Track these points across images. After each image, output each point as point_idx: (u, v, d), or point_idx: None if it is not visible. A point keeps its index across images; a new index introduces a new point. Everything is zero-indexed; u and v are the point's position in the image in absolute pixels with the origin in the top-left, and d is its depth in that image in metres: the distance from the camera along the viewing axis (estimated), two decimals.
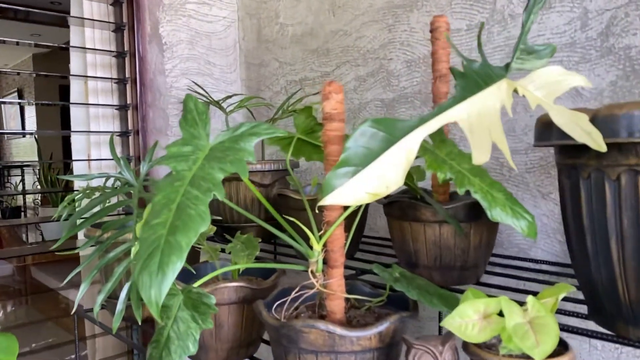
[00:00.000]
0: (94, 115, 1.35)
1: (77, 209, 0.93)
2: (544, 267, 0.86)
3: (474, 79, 0.47)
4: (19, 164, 6.27)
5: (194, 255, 0.98)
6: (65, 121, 6.27)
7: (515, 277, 0.79)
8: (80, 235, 1.39)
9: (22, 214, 5.86)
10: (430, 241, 0.69)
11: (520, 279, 0.81)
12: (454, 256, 0.69)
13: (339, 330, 0.52)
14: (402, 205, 0.70)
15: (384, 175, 0.44)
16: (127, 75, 1.31)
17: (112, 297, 1.00)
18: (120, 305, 0.72)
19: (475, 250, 0.70)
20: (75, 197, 1.03)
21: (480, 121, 0.47)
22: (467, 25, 0.95)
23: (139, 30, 1.28)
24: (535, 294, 0.75)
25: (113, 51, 1.29)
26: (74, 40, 1.37)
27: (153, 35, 1.31)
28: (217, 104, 1.15)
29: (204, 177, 0.39)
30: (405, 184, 0.69)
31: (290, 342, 0.55)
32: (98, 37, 1.34)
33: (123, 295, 0.73)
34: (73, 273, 0.74)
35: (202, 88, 1.23)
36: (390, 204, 0.73)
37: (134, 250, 0.64)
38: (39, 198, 5.45)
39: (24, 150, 6.94)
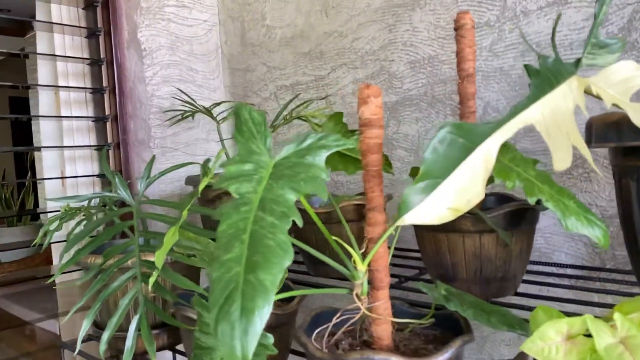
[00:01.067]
0: (67, 129, 1.24)
1: (72, 232, 0.84)
2: (569, 271, 0.83)
3: (547, 76, 0.43)
4: None
5: (195, 274, 0.90)
6: (18, 136, 5.95)
7: (539, 283, 0.76)
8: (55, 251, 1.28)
9: None
10: (470, 253, 0.65)
11: (543, 284, 0.78)
12: (495, 267, 0.65)
13: None
14: None
15: (465, 188, 0.39)
16: (105, 84, 1.21)
17: (99, 327, 0.91)
18: (130, 340, 0.64)
19: (516, 259, 0.66)
20: (53, 219, 0.93)
21: (555, 123, 0.42)
22: (476, 23, 0.91)
23: (116, 36, 1.19)
24: (562, 300, 0.72)
25: (89, 58, 1.19)
26: (40, 48, 1.26)
27: (131, 41, 1.22)
28: (209, 112, 1.07)
29: (275, 200, 0.32)
30: None
31: None
32: (69, 43, 1.24)
33: (132, 329, 0.65)
34: (75, 307, 0.65)
35: (188, 95, 1.15)
36: None
37: (151, 280, 0.56)
38: None
39: None
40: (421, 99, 1.00)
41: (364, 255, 0.54)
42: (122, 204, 1.16)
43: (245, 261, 0.30)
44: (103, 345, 0.63)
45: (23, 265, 3.84)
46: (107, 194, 0.76)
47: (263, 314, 0.28)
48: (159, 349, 0.86)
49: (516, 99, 0.87)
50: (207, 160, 0.50)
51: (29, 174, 4.37)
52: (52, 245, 1.28)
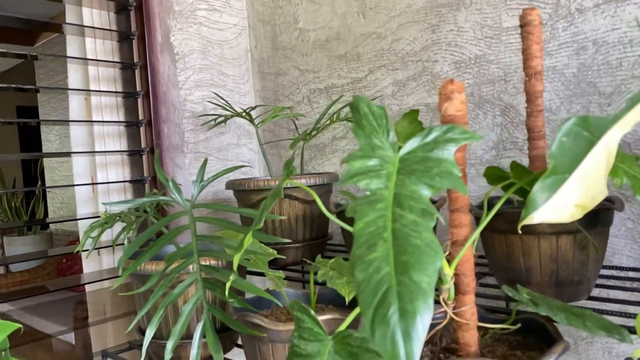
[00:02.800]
0: (98, 134, 1.22)
1: (117, 239, 0.82)
2: (631, 274, 0.81)
3: None
4: None
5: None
6: (25, 144, 5.94)
7: (600, 286, 0.74)
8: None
9: None
10: (546, 255, 0.62)
11: (603, 287, 0.76)
12: (572, 270, 0.63)
13: None
14: (512, 216, 0.63)
15: (589, 184, 0.37)
16: (138, 88, 1.19)
17: (145, 334, 0.89)
18: (194, 349, 0.62)
19: (592, 262, 0.63)
20: (95, 225, 0.91)
21: None
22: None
23: (150, 40, 1.18)
24: (624, 302, 0.70)
25: (123, 62, 1.18)
26: (71, 52, 1.25)
27: (164, 45, 1.20)
28: (249, 115, 1.05)
29: (410, 197, 0.30)
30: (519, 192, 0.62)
31: None
32: (99, 48, 1.22)
33: (197, 336, 0.63)
34: (140, 314, 0.63)
35: (224, 100, 1.14)
36: (494, 216, 0.66)
37: (227, 284, 0.54)
38: None
39: None
40: (467, 100, 0.98)
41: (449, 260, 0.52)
42: (160, 209, 1.14)
43: (394, 261, 0.27)
44: (168, 354, 0.60)
45: (34, 274, 3.82)
46: (162, 197, 0.74)
47: (425, 318, 0.26)
48: (206, 359, 0.83)
49: (571, 98, 0.86)
50: (292, 160, 0.48)
51: (39, 182, 4.36)
52: (81, 252, 1.26)
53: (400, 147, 0.35)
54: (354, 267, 0.28)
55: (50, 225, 4.39)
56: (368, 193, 0.31)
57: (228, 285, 0.52)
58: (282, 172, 0.50)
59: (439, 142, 0.34)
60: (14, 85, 1.05)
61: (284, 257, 0.83)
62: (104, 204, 0.70)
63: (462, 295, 0.52)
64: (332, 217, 0.47)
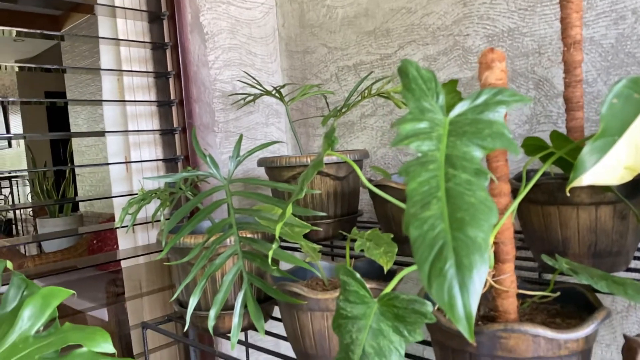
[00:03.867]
0: (131, 115, 1.25)
1: (155, 214, 0.84)
2: None
3: None
4: (14, 173, 6.07)
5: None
6: (54, 129, 6.08)
7: (638, 258, 0.73)
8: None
9: (14, 226, 5.66)
10: (585, 226, 0.62)
11: None
12: (611, 241, 0.62)
13: (549, 333, 0.45)
14: (549, 187, 0.63)
15: (639, 146, 0.37)
16: (169, 68, 1.21)
17: (184, 306, 0.91)
18: (236, 318, 0.64)
19: (632, 232, 0.63)
20: (133, 202, 0.94)
21: None
22: None
23: (180, 19, 1.19)
24: None
25: (155, 42, 1.20)
26: (103, 34, 1.27)
27: (194, 25, 1.21)
28: (279, 93, 1.06)
29: (462, 157, 0.31)
30: (559, 162, 0.62)
31: (482, 350, 0.47)
32: (131, 29, 1.24)
33: (238, 305, 0.65)
34: (183, 284, 0.65)
35: (254, 79, 1.15)
36: (530, 188, 0.66)
37: (270, 252, 0.55)
38: (31, 209, 5.26)
39: (11, 161, 6.71)
40: None
41: None
42: (195, 185, 1.17)
43: (449, 218, 0.28)
44: (212, 321, 0.63)
45: (66, 254, 3.94)
46: (200, 172, 0.76)
47: (481, 272, 0.27)
48: (244, 329, 0.86)
49: (609, 70, 0.84)
50: (333, 130, 0.49)
51: (69, 164, 4.47)
52: (116, 229, 1.30)
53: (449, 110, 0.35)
54: (408, 225, 0.29)
55: (81, 207, 4.51)
56: (419, 154, 0.32)
57: (271, 253, 0.54)
58: (323, 143, 0.51)
59: (489, 104, 0.35)
60: (45, 66, 1.08)
61: (320, 229, 0.84)
62: (145, 178, 0.72)
63: (501, 263, 0.53)
64: (373, 188, 0.48)
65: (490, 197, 0.29)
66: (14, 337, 0.53)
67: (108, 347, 0.54)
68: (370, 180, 0.92)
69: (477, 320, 0.56)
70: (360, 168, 1.05)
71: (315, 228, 0.70)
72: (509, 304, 0.53)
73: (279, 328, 1.10)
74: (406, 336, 0.41)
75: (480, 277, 0.26)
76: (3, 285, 0.74)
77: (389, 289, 0.41)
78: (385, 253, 0.60)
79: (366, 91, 0.93)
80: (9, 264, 0.73)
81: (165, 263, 0.77)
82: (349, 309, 0.43)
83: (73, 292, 0.56)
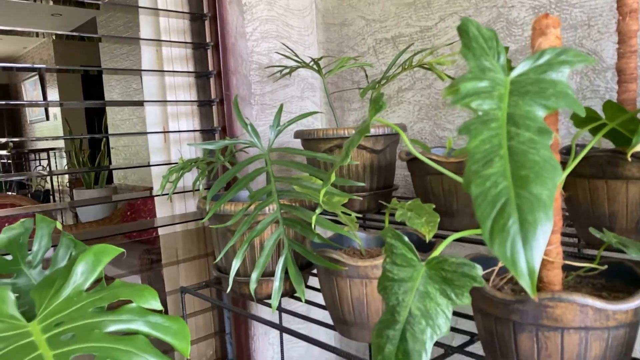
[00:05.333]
0: (169, 86, 1.26)
1: (196, 182, 0.86)
2: None
3: None
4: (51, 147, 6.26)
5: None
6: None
7: None
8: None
9: (52, 197, 5.87)
10: (634, 201, 0.61)
11: None
12: None
13: (598, 303, 0.44)
14: (598, 160, 0.61)
15: None
16: (208, 39, 1.22)
17: (223, 271, 0.93)
18: (277, 281, 0.65)
19: None
20: (173, 169, 0.96)
21: None
22: None
23: None
24: None
25: (194, 13, 1.20)
26: (143, 4, 1.28)
27: None
28: (317, 64, 1.05)
29: (525, 116, 0.30)
30: (610, 134, 0.60)
31: (526, 319, 0.47)
32: (170, 0, 1.25)
33: (279, 270, 0.66)
34: (226, 247, 0.67)
35: (292, 51, 1.14)
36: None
37: (313, 218, 0.56)
38: (68, 180, 5.44)
39: (48, 133, 6.92)
40: None
41: None
42: (233, 156, 1.18)
43: (512, 176, 0.28)
44: (253, 284, 0.64)
45: (102, 225, 4.06)
46: (242, 140, 0.77)
47: (545, 228, 0.26)
48: (283, 295, 0.88)
49: None
50: (381, 95, 0.48)
51: (104, 139, 4.58)
52: (155, 198, 1.33)
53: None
54: (469, 183, 0.29)
55: (115, 180, 4.63)
56: (480, 113, 0.32)
57: (314, 217, 0.54)
58: (370, 109, 0.51)
59: (552, 64, 0.34)
60: (85, 35, 1.10)
61: (360, 199, 0.84)
62: (188, 144, 0.73)
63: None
64: (421, 157, 0.48)
65: (554, 156, 0.28)
66: (69, 291, 0.55)
67: (156, 304, 0.56)
68: (408, 153, 0.91)
69: (520, 292, 0.55)
70: (397, 142, 1.04)
71: (354, 196, 0.70)
72: (554, 276, 0.52)
73: (311, 296, 1.12)
74: (453, 299, 0.41)
75: (544, 234, 0.26)
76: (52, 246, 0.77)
77: (437, 252, 0.42)
78: (427, 223, 0.60)
79: (407, 62, 0.92)
80: (58, 225, 0.76)
81: (210, 226, 0.79)
82: (395, 272, 0.43)
83: (123, 250, 0.58)
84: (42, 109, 6.80)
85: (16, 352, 0.49)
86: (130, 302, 0.56)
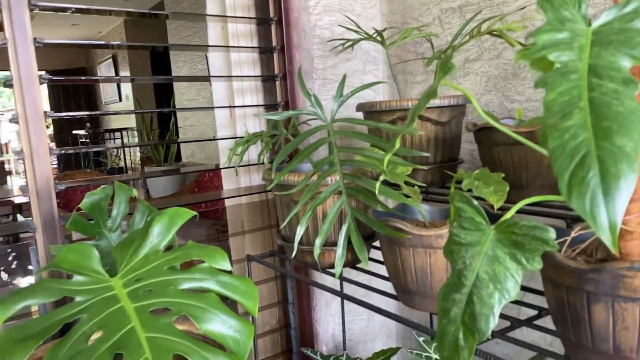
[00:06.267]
0: (234, 62, 1.29)
1: (261, 154, 0.88)
2: None
3: None
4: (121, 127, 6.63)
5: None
6: (157, 85, 6.48)
7: None
8: None
9: (125, 174, 6.23)
10: None
11: None
12: None
13: None
14: None
15: None
16: (272, 15, 1.23)
17: (287, 240, 0.96)
18: (340, 249, 0.66)
19: None
20: (239, 143, 0.99)
21: None
22: None
23: None
24: None
25: None
26: None
27: None
28: (381, 36, 1.04)
29: (609, 67, 0.29)
30: None
31: (602, 289, 0.45)
32: None
33: (342, 238, 0.67)
34: (291, 214, 0.69)
35: (355, 23, 1.13)
36: None
37: (377, 184, 0.56)
38: (140, 159, 5.75)
39: (122, 115, 7.30)
40: None
41: None
42: (295, 130, 1.20)
43: (593, 127, 0.27)
44: (317, 249, 0.66)
45: (171, 200, 4.27)
46: (305, 111, 0.78)
47: (629, 181, 0.25)
48: (344, 266, 0.89)
49: None
50: (449, 57, 0.47)
51: (172, 118, 4.78)
52: (222, 171, 1.38)
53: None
54: (545, 136, 0.28)
55: (183, 158, 4.83)
56: (559, 65, 0.30)
57: (377, 184, 0.54)
58: (437, 72, 0.50)
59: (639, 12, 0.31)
60: (146, 12, 1.13)
61: (425, 168, 0.83)
62: (255, 115, 0.75)
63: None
64: (494, 122, 0.46)
65: None
66: (146, 250, 0.59)
67: (225, 264, 0.58)
68: (475, 124, 0.89)
69: (594, 262, 0.53)
70: (463, 114, 1.02)
71: (418, 166, 0.69)
72: (633, 247, 0.50)
73: (373, 269, 1.13)
74: (524, 264, 0.40)
75: (627, 187, 0.25)
76: (129, 214, 0.82)
77: (508, 215, 0.41)
78: (495, 192, 0.59)
79: (475, 30, 0.88)
80: (134, 192, 0.81)
81: (276, 192, 0.81)
82: (462, 236, 0.43)
83: (195, 213, 0.61)
84: (116, 91, 7.18)
85: (101, 303, 0.54)
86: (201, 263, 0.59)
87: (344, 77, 0.79)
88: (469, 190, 0.61)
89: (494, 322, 0.40)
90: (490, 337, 0.60)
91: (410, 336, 1.45)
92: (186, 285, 0.55)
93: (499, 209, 0.61)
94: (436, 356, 1.00)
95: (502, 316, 0.68)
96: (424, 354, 1.02)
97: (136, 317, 0.51)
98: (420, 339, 1.05)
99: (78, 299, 0.53)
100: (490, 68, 1.12)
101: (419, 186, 0.99)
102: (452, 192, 0.43)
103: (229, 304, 0.56)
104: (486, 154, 0.82)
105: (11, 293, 0.53)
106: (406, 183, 0.72)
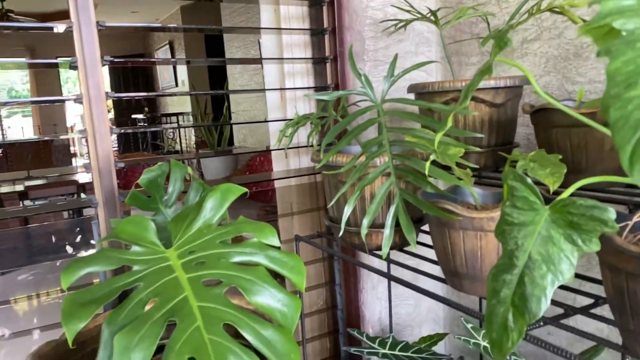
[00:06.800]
0: (286, 44, 1.30)
1: (311, 134, 0.89)
2: None
3: None
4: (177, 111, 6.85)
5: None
6: (212, 69, 6.62)
7: None
8: None
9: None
10: None
11: None
12: None
13: None
14: None
15: None
16: None
17: (335, 221, 0.96)
18: (387, 229, 0.66)
19: None
20: (289, 124, 1.00)
21: None
22: None
23: None
24: None
25: None
26: None
27: None
28: (435, 15, 1.01)
29: None
30: None
31: None
32: None
33: (390, 218, 0.67)
34: (339, 194, 0.69)
35: (409, 4, 1.11)
36: None
37: (427, 164, 0.55)
38: (194, 142, 5.92)
39: (178, 99, 7.54)
40: None
41: None
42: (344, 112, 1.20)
43: None
44: (364, 230, 0.66)
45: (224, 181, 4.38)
46: (355, 91, 0.77)
47: None
48: (391, 248, 0.88)
49: None
50: (506, 31, 0.45)
51: (225, 103, 4.88)
52: (272, 154, 1.40)
53: None
54: (607, 107, 0.26)
55: (235, 142, 4.94)
56: (624, 33, 0.28)
57: (427, 164, 0.53)
58: (493, 47, 0.48)
59: None
60: None
61: (478, 150, 0.81)
62: (305, 95, 0.75)
63: None
64: (554, 102, 0.44)
65: None
66: (199, 224, 0.61)
67: (274, 240, 0.60)
68: (532, 106, 0.85)
69: None
70: (520, 95, 0.98)
71: (471, 148, 0.67)
72: None
73: (421, 252, 1.12)
74: (580, 245, 0.38)
75: None
76: (183, 192, 0.85)
77: (565, 194, 0.39)
78: (551, 174, 0.56)
79: (534, 7, 0.84)
80: (189, 170, 0.83)
81: (324, 172, 0.81)
82: (515, 215, 0.42)
83: (246, 189, 0.62)
84: (172, 76, 7.40)
85: (157, 273, 0.56)
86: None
87: (396, 56, 0.78)
88: (524, 173, 0.59)
89: (545, 304, 0.38)
90: (542, 324, 0.58)
91: (459, 323, 1.43)
92: (237, 259, 0.57)
93: (553, 194, 0.59)
94: (485, 343, 0.98)
95: (556, 303, 0.65)
96: (472, 340, 1.01)
97: (189, 287, 0.54)
98: (469, 326, 1.04)
99: (135, 268, 0.56)
100: (550, 48, 1.07)
101: (471, 169, 0.96)
102: (506, 171, 0.42)
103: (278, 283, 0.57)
104: (543, 137, 0.79)
105: (74, 260, 0.56)
106: (458, 165, 0.70)
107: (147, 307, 0.53)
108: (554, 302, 0.66)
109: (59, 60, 0.97)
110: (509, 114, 0.96)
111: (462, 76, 1.30)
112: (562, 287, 0.74)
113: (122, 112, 8.29)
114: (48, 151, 6.71)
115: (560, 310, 0.63)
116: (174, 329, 0.50)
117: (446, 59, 1.04)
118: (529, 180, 0.40)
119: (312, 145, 1.07)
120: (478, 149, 0.64)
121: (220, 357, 0.47)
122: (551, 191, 0.55)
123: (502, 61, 0.47)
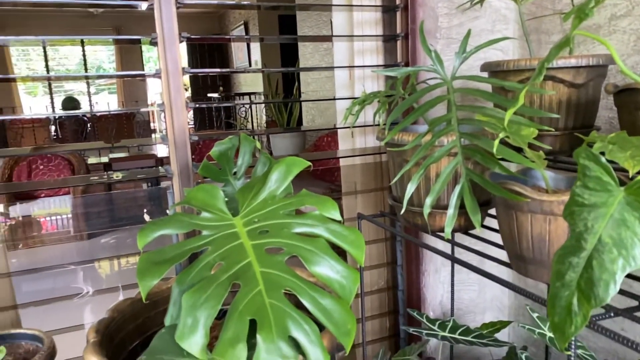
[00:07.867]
0: (357, 22, 1.29)
1: (377, 112, 0.88)
2: None
3: None
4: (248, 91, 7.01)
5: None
6: (284, 48, 6.70)
7: None
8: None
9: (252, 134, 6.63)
10: None
11: None
12: None
13: None
14: None
15: None
16: None
17: (398, 200, 0.95)
18: (451, 209, 0.65)
19: None
20: (355, 102, 1.00)
21: None
22: None
23: None
24: None
25: None
26: None
27: None
28: None
29: None
30: None
31: None
32: None
33: (454, 198, 0.66)
34: (403, 171, 0.69)
35: None
36: None
37: (495, 143, 0.54)
38: (265, 122, 6.06)
39: (251, 79, 7.72)
40: None
41: None
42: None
43: None
44: (427, 209, 0.65)
45: None
46: (424, 67, 0.76)
47: None
48: (454, 231, 0.87)
49: None
50: (588, 2, 0.42)
51: (296, 84, 4.95)
52: (338, 133, 1.41)
53: None
54: None
55: (304, 122, 5.01)
56: None
57: (496, 142, 0.52)
58: (573, 20, 0.46)
59: None
60: None
61: (553, 132, 0.77)
62: (373, 71, 0.75)
63: None
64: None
65: None
66: (265, 194, 0.63)
67: (336, 214, 0.61)
68: (616, 86, 0.79)
69: None
70: (604, 75, 0.92)
71: (546, 128, 0.64)
72: None
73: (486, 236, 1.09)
74: None
75: None
76: (250, 167, 0.88)
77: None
78: (632, 157, 0.53)
79: None
80: (258, 144, 0.86)
81: (388, 149, 0.81)
82: (586, 196, 0.40)
83: (309, 163, 0.63)
84: (246, 57, 7.57)
85: (224, 238, 0.59)
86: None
87: (469, 31, 0.76)
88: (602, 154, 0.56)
89: (614, 290, 0.37)
90: (612, 314, 0.56)
91: (524, 312, 1.38)
92: (298, 230, 0.59)
93: (631, 179, 0.55)
94: (551, 334, 0.95)
95: (631, 295, 0.62)
96: (538, 330, 0.97)
97: (253, 253, 0.56)
98: (535, 315, 1.00)
99: (205, 232, 0.59)
100: None
101: (545, 152, 0.92)
102: (579, 149, 0.40)
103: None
104: (627, 119, 0.73)
105: (150, 223, 0.60)
106: (530, 147, 0.67)
107: (213, 270, 0.56)
108: (628, 294, 0.62)
109: (141, 36, 1.03)
110: (590, 95, 0.90)
111: (541, 55, 1.23)
112: (638, 278, 0.70)
113: (198, 91, 8.62)
114: (130, 126, 7.14)
115: (634, 303, 0.59)
116: (236, 295, 0.53)
117: (524, 37, 0.99)
118: (603, 159, 0.38)
119: (378, 124, 1.06)
120: (554, 131, 0.61)
121: (279, 320, 0.49)
122: (630, 174, 0.52)
123: (583, 34, 0.45)
